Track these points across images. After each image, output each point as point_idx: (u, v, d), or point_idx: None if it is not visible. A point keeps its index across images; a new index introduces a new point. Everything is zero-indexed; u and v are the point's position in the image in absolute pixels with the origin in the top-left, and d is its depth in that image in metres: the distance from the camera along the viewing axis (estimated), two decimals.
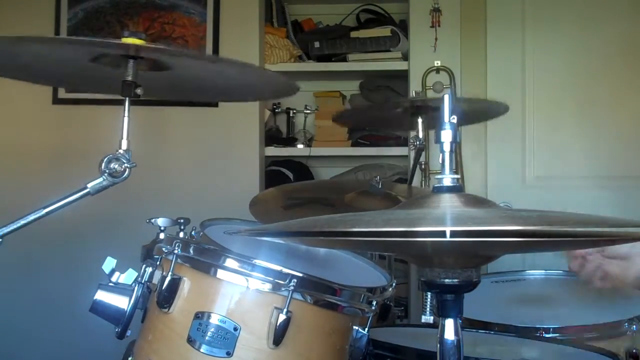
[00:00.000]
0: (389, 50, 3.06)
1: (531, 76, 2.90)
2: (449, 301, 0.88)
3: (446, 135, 0.89)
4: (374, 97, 3.22)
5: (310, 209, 1.94)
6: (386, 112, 2.23)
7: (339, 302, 1.25)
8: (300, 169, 3.29)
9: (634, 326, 1.54)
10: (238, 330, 1.20)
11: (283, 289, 1.19)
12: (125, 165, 1.30)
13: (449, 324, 0.88)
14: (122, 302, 1.28)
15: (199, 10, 2.92)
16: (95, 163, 1.30)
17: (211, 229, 1.43)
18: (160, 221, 1.39)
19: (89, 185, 1.29)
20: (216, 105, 2.93)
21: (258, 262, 1.21)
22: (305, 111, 3.37)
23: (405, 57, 3.03)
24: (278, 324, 1.18)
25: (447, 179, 0.88)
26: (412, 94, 2.15)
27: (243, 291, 1.22)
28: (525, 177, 2.91)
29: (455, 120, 0.89)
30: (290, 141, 3.27)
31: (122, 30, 1.25)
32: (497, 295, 1.83)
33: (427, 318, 1.62)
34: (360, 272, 1.49)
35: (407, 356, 1.36)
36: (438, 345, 0.89)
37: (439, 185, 0.88)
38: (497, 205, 0.89)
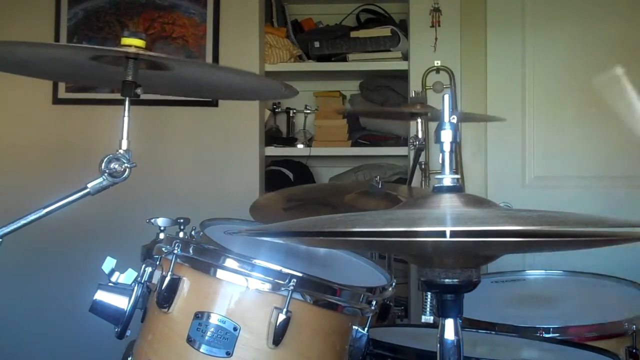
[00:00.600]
0: (389, 50, 3.06)
1: (531, 76, 2.90)
2: (449, 301, 0.88)
3: (446, 135, 0.89)
4: (374, 97, 3.22)
5: (310, 211, 1.94)
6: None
7: (338, 302, 1.25)
8: (300, 168, 3.30)
9: (634, 326, 1.55)
10: (238, 330, 1.20)
11: (283, 288, 1.19)
12: (125, 165, 1.30)
13: (449, 324, 0.88)
14: (121, 302, 1.28)
15: (199, 10, 2.92)
16: (95, 163, 1.30)
17: (211, 229, 1.43)
18: (160, 221, 1.39)
19: (89, 185, 1.30)
20: (216, 104, 2.93)
21: (258, 262, 1.21)
22: (305, 111, 3.37)
23: (405, 57, 3.02)
24: (278, 324, 1.18)
25: (447, 179, 0.88)
26: (412, 94, 2.14)
27: (243, 291, 1.22)
28: (525, 177, 2.91)
29: (455, 120, 0.89)
30: (290, 141, 3.27)
31: (122, 31, 1.25)
32: (497, 295, 1.83)
33: (427, 318, 1.62)
34: (360, 272, 1.49)
35: (407, 356, 1.36)
36: (438, 345, 0.89)
37: (439, 185, 0.88)
38: (497, 205, 0.89)
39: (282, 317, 1.18)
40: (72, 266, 2.79)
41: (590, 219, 0.82)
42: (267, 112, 3.26)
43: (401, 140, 3.11)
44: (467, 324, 1.56)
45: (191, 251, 1.26)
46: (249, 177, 2.95)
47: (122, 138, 1.31)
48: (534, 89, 2.90)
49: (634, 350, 1.53)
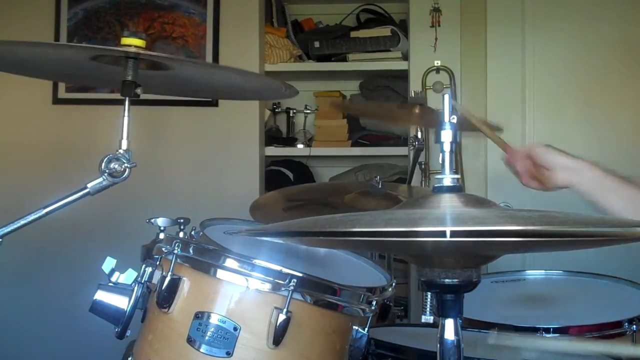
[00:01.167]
0: (389, 50, 3.06)
1: (531, 76, 2.90)
2: (449, 301, 0.88)
3: (446, 135, 0.89)
4: (374, 96, 3.22)
5: (310, 211, 1.94)
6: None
7: (338, 302, 1.25)
8: (300, 168, 3.30)
9: (634, 326, 1.54)
10: (238, 330, 1.20)
11: (283, 288, 1.19)
12: (125, 165, 1.30)
13: (449, 324, 0.88)
14: (121, 302, 1.28)
15: (199, 10, 2.92)
16: (95, 163, 1.30)
17: (211, 229, 1.43)
18: (160, 221, 1.39)
19: (89, 185, 1.29)
20: (216, 104, 2.93)
21: (258, 262, 1.21)
22: (305, 111, 3.37)
23: (405, 57, 3.02)
24: (278, 324, 1.18)
25: (447, 179, 0.88)
26: (412, 93, 2.14)
27: (243, 291, 1.22)
28: None
29: (455, 120, 0.89)
30: (290, 141, 3.27)
31: (122, 30, 1.25)
32: (497, 295, 1.83)
33: (427, 318, 1.62)
34: (360, 272, 1.49)
35: (407, 356, 1.36)
36: (438, 345, 0.89)
37: (439, 185, 0.88)
38: (497, 205, 0.89)
39: (282, 317, 1.18)
40: (72, 266, 2.79)
41: (591, 219, 0.82)
42: (267, 112, 3.26)
43: (401, 140, 3.12)
44: (467, 324, 1.56)
45: (191, 251, 1.26)
46: (249, 177, 2.95)
47: (122, 138, 1.31)
48: (534, 89, 2.90)
49: None
